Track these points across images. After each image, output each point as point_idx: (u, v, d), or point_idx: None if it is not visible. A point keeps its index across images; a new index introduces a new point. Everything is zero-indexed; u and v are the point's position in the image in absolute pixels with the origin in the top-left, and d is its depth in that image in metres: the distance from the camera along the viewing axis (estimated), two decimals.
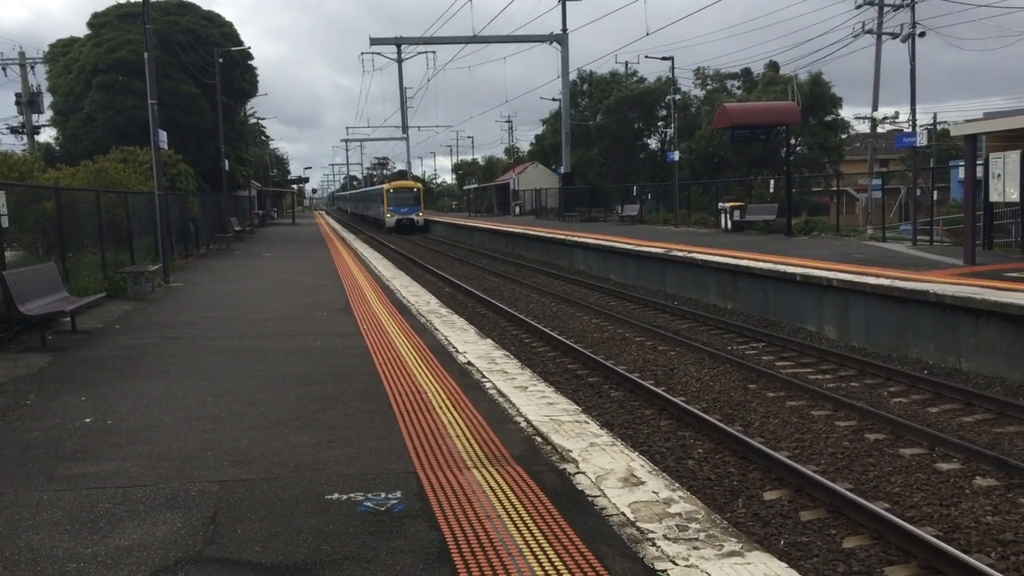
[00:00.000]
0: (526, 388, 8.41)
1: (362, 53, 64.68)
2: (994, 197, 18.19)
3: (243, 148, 50.34)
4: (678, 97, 49.46)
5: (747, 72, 60.08)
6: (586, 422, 7.15)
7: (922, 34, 30.59)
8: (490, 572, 4.34)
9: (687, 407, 10.36)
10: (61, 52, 40.38)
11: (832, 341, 15.06)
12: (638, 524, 4.88)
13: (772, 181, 34.92)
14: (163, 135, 21.23)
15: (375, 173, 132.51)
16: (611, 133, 60.04)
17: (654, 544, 4.61)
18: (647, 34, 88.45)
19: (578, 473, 5.81)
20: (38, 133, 42.34)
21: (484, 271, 30.31)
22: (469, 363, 9.76)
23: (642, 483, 5.57)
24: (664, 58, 43.92)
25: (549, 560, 4.46)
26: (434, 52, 65.21)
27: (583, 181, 59.56)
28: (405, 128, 73.48)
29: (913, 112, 29.20)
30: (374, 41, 59.39)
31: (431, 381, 8.82)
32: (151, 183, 21.73)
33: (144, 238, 21.49)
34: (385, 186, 63.06)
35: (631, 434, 9.74)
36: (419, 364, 9.74)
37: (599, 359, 13.39)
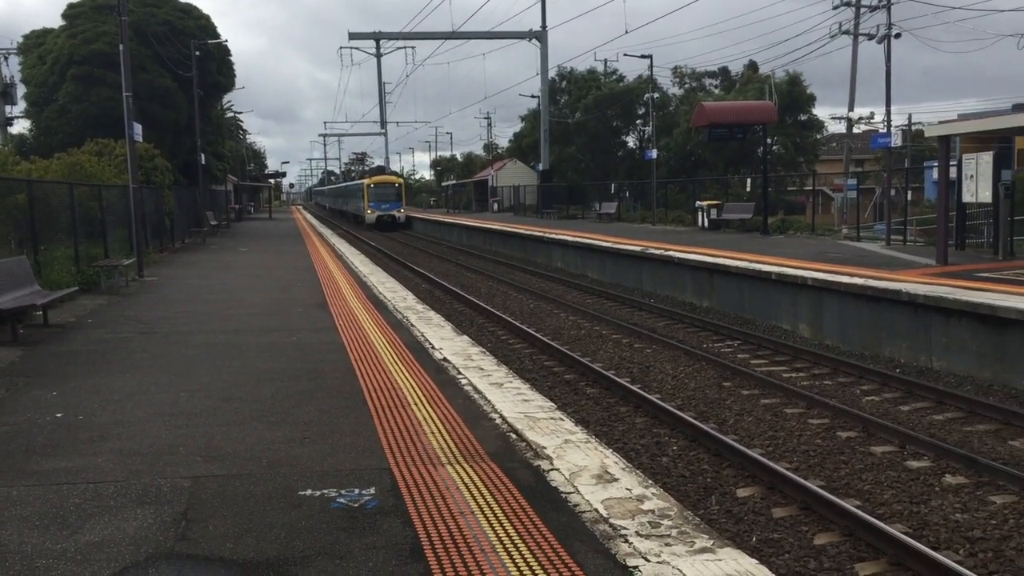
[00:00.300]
0: (502, 385, 8.42)
1: (341, 47, 64.71)
2: (967, 198, 18.39)
3: (220, 142, 49.93)
4: (656, 96, 49.62)
5: (725, 71, 60.46)
6: (561, 419, 7.16)
7: (898, 35, 30.91)
8: (463, 569, 4.34)
9: (662, 404, 10.41)
10: (35, 43, 39.87)
11: (806, 339, 15.17)
12: (611, 521, 4.90)
13: (749, 180, 35.16)
14: (138, 128, 21.05)
15: (353, 168, 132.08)
16: (590, 131, 60.21)
17: (626, 541, 4.63)
18: (626, 32, 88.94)
19: (552, 470, 5.83)
20: (11, 125, 41.85)
21: (462, 267, 30.29)
22: (445, 359, 9.75)
23: (616, 480, 5.59)
24: (643, 56, 44.07)
25: (522, 556, 4.47)
26: (413, 47, 65.28)
27: (561, 178, 59.66)
28: (384, 123, 73.39)
29: (888, 113, 29.51)
30: (353, 35, 59.28)
31: (407, 377, 8.81)
32: (126, 176, 21.53)
33: (118, 232, 21.29)
34: (365, 181, 60.28)
35: (606, 431, 9.77)
36: (395, 360, 9.73)
37: (575, 356, 13.42)
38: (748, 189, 36.92)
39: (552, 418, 7.15)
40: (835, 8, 35.34)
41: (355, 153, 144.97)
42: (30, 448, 6.51)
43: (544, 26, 53.97)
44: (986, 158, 17.32)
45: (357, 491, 5.47)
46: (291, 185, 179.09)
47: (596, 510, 5.07)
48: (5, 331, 11.71)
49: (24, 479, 5.81)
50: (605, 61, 64.82)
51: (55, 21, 40.62)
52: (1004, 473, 7.95)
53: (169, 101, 37.75)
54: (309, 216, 77.88)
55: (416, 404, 7.68)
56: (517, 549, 4.56)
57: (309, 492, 5.47)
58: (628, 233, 30.07)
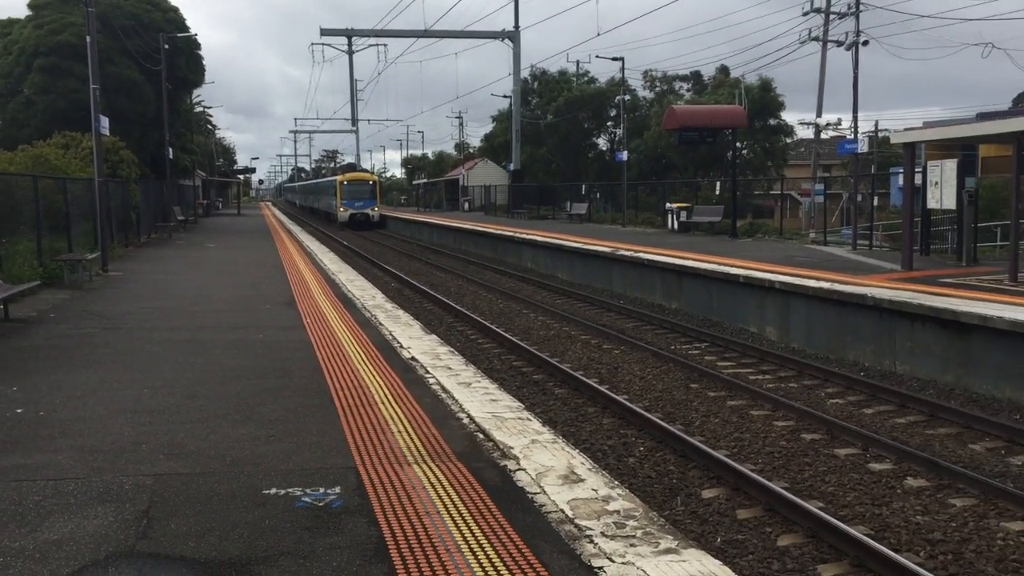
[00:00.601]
0: (470, 384, 8.41)
1: (312, 44, 64.22)
2: (931, 204, 18.64)
3: (188, 136, 49.47)
4: (627, 98, 49.81)
5: (697, 75, 60.83)
6: (529, 419, 7.16)
7: (866, 43, 31.24)
8: (427, 569, 4.32)
9: (630, 405, 10.45)
10: (1, 33, 39.28)
11: (773, 342, 15.30)
12: (576, 521, 4.91)
13: (718, 183, 35.36)
14: (105, 121, 20.79)
15: (324, 165, 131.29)
16: (561, 132, 60.32)
17: (592, 541, 4.63)
18: (598, 34, 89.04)
19: (519, 470, 5.82)
20: None
21: (432, 266, 30.22)
22: (413, 359, 9.72)
23: (582, 480, 5.60)
24: (615, 58, 44.22)
25: (487, 556, 4.46)
26: (385, 45, 64.95)
27: (532, 179, 59.72)
28: (355, 121, 73.07)
29: (855, 119, 29.81)
30: (324, 32, 58.92)
31: (374, 376, 8.77)
32: (92, 169, 21.24)
33: (83, 225, 20.99)
34: (338, 177, 58.26)
35: (574, 431, 9.79)
36: (363, 359, 9.68)
37: (544, 356, 13.44)
38: (717, 192, 37.15)
39: (520, 418, 7.15)
40: (805, 15, 35.68)
41: (326, 150, 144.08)
42: None
43: (517, 26, 54.02)
44: (950, 165, 17.57)
45: (322, 490, 5.43)
46: (261, 181, 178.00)
47: (562, 510, 5.07)
48: None
49: None
50: (577, 63, 64.93)
51: (21, 11, 40.03)
52: (964, 476, 8.06)
53: (137, 94, 37.34)
54: (279, 213, 77.31)
55: (383, 403, 7.65)
56: (482, 549, 4.55)
57: (273, 491, 5.42)
58: (598, 234, 30.16)
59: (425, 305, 19.98)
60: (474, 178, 68.56)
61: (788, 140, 53.42)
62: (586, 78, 64.75)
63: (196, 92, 55.12)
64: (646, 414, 10.05)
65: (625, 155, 42.17)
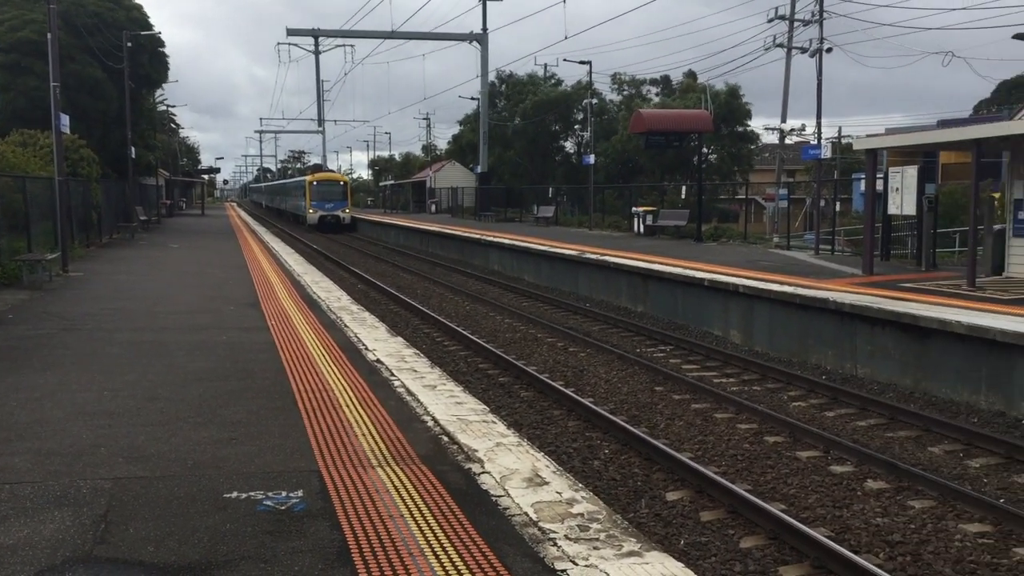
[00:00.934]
0: (435, 387, 8.38)
1: (278, 43, 63.69)
2: (892, 210, 18.89)
3: (151, 135, 48.88)
4: (595, 101, 50.00)
5: (666, 80, 61.26)
6: (494, 422, 7.16)
7: (829, 50, 31.58)
8: (390, 572, 4.30)
9: (595, 408, 10.47)
10: None
11: (737, 345, 15.43)
12: (540, 524, 4.91)
13: (684, 187, 35.60)
14: (65, 119, 20.47)
15: (290, 166, 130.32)
16: (529, 135, 60.44)
17: (555, 544, 4.64)
18: (565, 38, 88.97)
19: (483, 473, 5.81)
20: None
21: (398, 268, 30.11)
22: (378, 361, 9.67)
23: (546, 483, 5.60)
24: (582, 62, 44.28)
25: (450, 560, 4.44)
26: (352, 46, 64.60)
27: (500, 181, 59.75)
28: (321, 121, 72.57)
29: (819, 125, 30.15)
30: (291, 32, 58.48)
31: (339, 378, 8.71)
32: (52, 168, 20.92)
33: (43, 225, 20.65)
34: (308, 178, 56.37)
35: (539, 434, 9.79)
36: (327, 361, 9.61)
37: (510, 359, 13.44)
38: (683, 196, 37.42)
39: (485, 421, 7.14)
40: (769, 21, 35.94)
41: (292, 151, 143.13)
42: None
43: (485, 29, 53.98)
44: (911, 172, 17.82)
45: (284, 493, 5.39)
46: (225, 181, 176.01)
47: (526, 513, 5.07)
48: None
49: None
50: (545, 66, 65.06)
51: None
52: (923, 478, 8.18)
53: (99, 92, 36.84)
54: (244, 214, 76.63)
55: (348, 406, 7.60)
56: (446, 552, 4.54)
57: (235, 494, 5.36)
58: (565, 237, 30.23)
59: (391, 307, 19.89)
60: (441, 180, 68.43)
61: (753, 146, 53.96)
62: (553, 81, 64.96)
63: (160, 91, 54.51)
64: (611, 417, 10.08)
65: (592, 159, 42.31)
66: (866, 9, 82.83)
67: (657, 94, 60.88)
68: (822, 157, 28.27)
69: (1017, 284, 15.01)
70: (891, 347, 12.34)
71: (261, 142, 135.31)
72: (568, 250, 24.04)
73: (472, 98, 62.71)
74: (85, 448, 6.29)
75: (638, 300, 19.61)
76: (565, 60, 67.62)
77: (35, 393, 7.96)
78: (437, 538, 4.72)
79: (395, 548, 4.58)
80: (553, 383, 11.86)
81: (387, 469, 5.87)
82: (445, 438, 6.64)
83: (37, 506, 5.15)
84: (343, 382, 8.55)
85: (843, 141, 44.53)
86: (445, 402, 7.75)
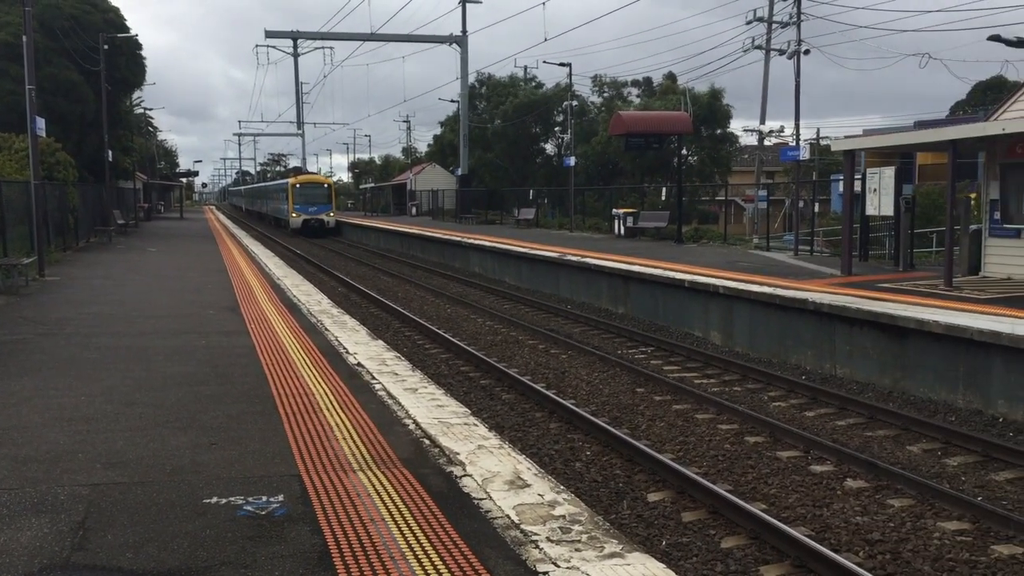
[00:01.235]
0: (416, 390, 8.37)
1: (257, 46, 63.39)
2: (870, 211, 19.02)
3: (129, 138, 48.48)
4: (575, 103, 50.11)
5: (648, 81, 61.45)
6: (475, 425, 7.15)
7: (807, 52, 31.86)
8: None
9: (576, 410, 10.48)
10: None
11: (717, 346, 15.49)
12: (522, 526, 4.90)
13: (664, 189, 35.71)
14: (41, 122, 20.29)
15: (270, 168, 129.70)
16: (509, 136, 60.44)
17: (537, 546, 4.63)
18: (545, 40, 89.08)
19: (465, 476, 5.80)
20: None
21: (379, 271, 30.04)
22: (359, 364, 9.64)
23: (528, 486, 5.60)
24: (562, 64, 44.36)
25: (432, 563, 4.43)
26: (331, 48, 64.66)
27: (480, 183, 59.73)
28: (300, 124, 72.32)
29: (797, 127, 30.38)
30: (269, 34, 58.24)
31: (319, 382, 8.68)
32: (27, 172, 20.72)
33: (18, 229, 20.45)
34: (290, 180, 54.08)
35: (521, 437, 9.79)
36: (307, 365, 9.57)
37: (491, 361, 13.43)
38: (664, 198, 37.54)
39: (466, 424, 7.13)
40: (748, 23, 36.22)
41: (271, 154, 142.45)
42: None
43: (464, 31, 54.02)
44: (888, 173, 17.95)
45: (265, 498, 5.36)
46: (204, 185, 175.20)
47: (508, 516, 5.07)
48: None
49: None
50: (525, 68, 65.25)
51: None
52: (902, 477, 8.24)
53: (75, 95, 36.52)
54: (223, 217, 76.17)
55: (328, 409, 7.57)
56: (427, 556, 4.52)
57: (215, 500, 5.33)
58: (546, 239, 30.25)
59: (372, 310, 19.84)
60: (422, 182, 68.30)
61: (733, 148, 54.22)
62: (534, 83, 65.03)
63: (137, 93, 54.08)
64: (593, 418, 10.09)
65: (572, 161, 42.41)
66: (843, 11, 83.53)
67: (639, 95, 61.06)
68: (800, 158, 28.48)
69: (993, 284, 15.16)
70: (870, 347, 12.43)
71: (240, 145, 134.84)
72: (549, 252, 24.06)
73: (452, 100, 62.73)
74: (63, 454, 6.23)
75: (619, 302, 19.65)
76: (545, 62, 68.04)
77: (12, 399, 7.88)
78: (419, 541, 4.71)
79: (376, 552, 4.56)
80: (535, 385, 11.87)
81: (368, 473, 5.85)
82: (427, 441, 6.63)
83: (14, 513, 5.10)
84: (324, 386, 8.51)
85: (821, 142, 44.80)
86: (426, 405, 7.73)
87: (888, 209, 18.07)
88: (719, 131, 51.50)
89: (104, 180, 37.99)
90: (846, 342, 12.84)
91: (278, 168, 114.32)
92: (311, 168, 73.51)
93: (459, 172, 55.49)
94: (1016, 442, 9.45)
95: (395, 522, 4.97)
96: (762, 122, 39.64)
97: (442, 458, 6.20)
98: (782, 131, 42.07)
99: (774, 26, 35.54)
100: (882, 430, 10.15)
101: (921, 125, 24.30)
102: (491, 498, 5.36)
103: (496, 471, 5.87)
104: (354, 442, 6.58)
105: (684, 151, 36.30)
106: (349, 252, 39.64)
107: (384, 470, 5.91)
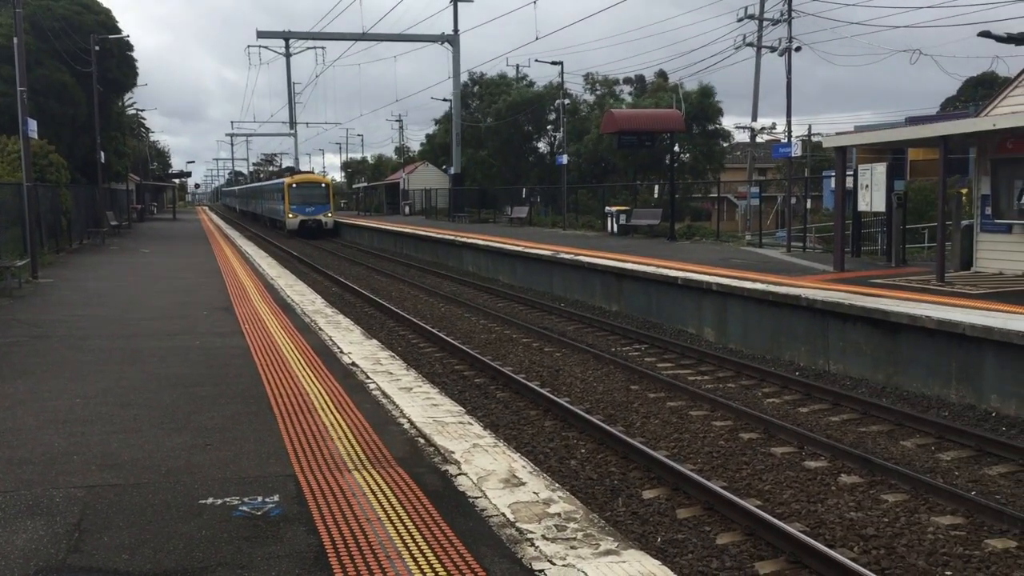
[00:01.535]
0: (411, 389, 8.37)
1: (249, 46, 63.19)
2: (862, 207, 19.09)
3: (121, 140, 48.35)
4: (567, 101, 50.13)
5: (640, 79, 61.49)
6: (470, 423, 7.16)
7: (798, 49, 31.84)
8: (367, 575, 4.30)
9: (571, 408, 10.50)
10: None
11: (711, 343, 15.52)
12: (518, 525, 4.92)
13: (656, 187, 35.75)
14: (33, 124, 20.24)
15: (262, 169, 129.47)
16: (501, 135, 60.42)
17: (532, 544, 4.65)
18: (536, 38, 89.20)
19: (460, 474, 5.82)
20: None
21: (372, 271, 30.02)
22: (354, 364, 9.64)
23: (523, 484, 5.61)
24: (554, 62, 44.40)
25: (428, 562, 4.44)
26: (323, 48, 64.29)
27: (473, 182, 59.69)
28: (293, 124, 72.07)
29: (789, 124, 30.38)
30: (261, 34, 58.04)
31: (314, 382, 8.68)
32: (19, 174, 20.67)
33: (11, 231, 20.40)
34: (287, 180, 52.05)
35: (515, 435, 9.80)
36: (302, 365, 9.57)
37: (486, 360, 13.44)
38: (656, 195, 37.59)
39: (461, 422, 7.15)
40: (739, 21, 36.24)
41: (264, 154, 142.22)
42: None
43: (456, 30, 53.96)
44: (880, 169, 18.02)
45: (260, 499, 5.36)
46: (197, 185, 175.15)
47: (503, 514, 5.08)
48: None
49: None
50: (517, 66, 65.23)
51: None
52: (896, 472, 8.27)
53: (67, 97, 36.39)
54: (216, 218, 75.98)
55: (323, 409, 7.58)
56: (423, 555, 4.54)
57: (210, 500, 5.33)
58: (539, 237, 30.27)
59: (366, 310, 19.83)
60: (415, 182, 68.25)
61: (725, 145, 54.28)
62: (526, 82, 65.03)
63: (129, 94, 53.94)
64: (587, 416, 10.11)
65: (565, 159, 42.43)
66: (834, 8, 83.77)
67: (631, 93, 61.11)
68: (792, 155, 28.54)
69: (985, 279, 15.22)
70: (863, 343, 12.47)
71: (232, 145, 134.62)
72: (542, 250, 24.07)
73: (445, 99, 62.70)
74: (58, 456, 6.23)
75: (612, 299, 19.68)
76: (537, 61, 68.20)
77: (6, 401, 7.87)
78: (415, 540, 4.72)
79: (372, 551, 4.58)
80: (529, 383, 11.88)
81: (363, 472, 5.86)
82: (421, 440, 6.64)
83: (9, 516, 5.10)
84: (318, 386, 8.52)
85: (813, 139, 44.90)
86: (421, 404, 7.74)
87: (880, 205, 18.13)
88: (711, 127, 51.52)
89: (97, 182, 37.89)
90: (839, 338, 12.89)
91: (271, 168, 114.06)
92: (304, 167, 73.09)
93: (452, 171, 55.44)
94: (1009, 436, 9.50)
95: (390, 521, 4.99)
96: (754, 119, 39.68)
97: (437, 457, 6.21)
98: (774, 128, 42.16)
99: (765, 23, 35.59)
100: (876, 425, 10.18)
101: (912, 121, 24.40)
102: (486, 496, 5.38)
103: (491, 469, 5.88)
104: (349, 442, 6.58)
105: (676, 148, 36.26)
106: (343, 252, 39.61)
107: (379, 469, 5.92)
